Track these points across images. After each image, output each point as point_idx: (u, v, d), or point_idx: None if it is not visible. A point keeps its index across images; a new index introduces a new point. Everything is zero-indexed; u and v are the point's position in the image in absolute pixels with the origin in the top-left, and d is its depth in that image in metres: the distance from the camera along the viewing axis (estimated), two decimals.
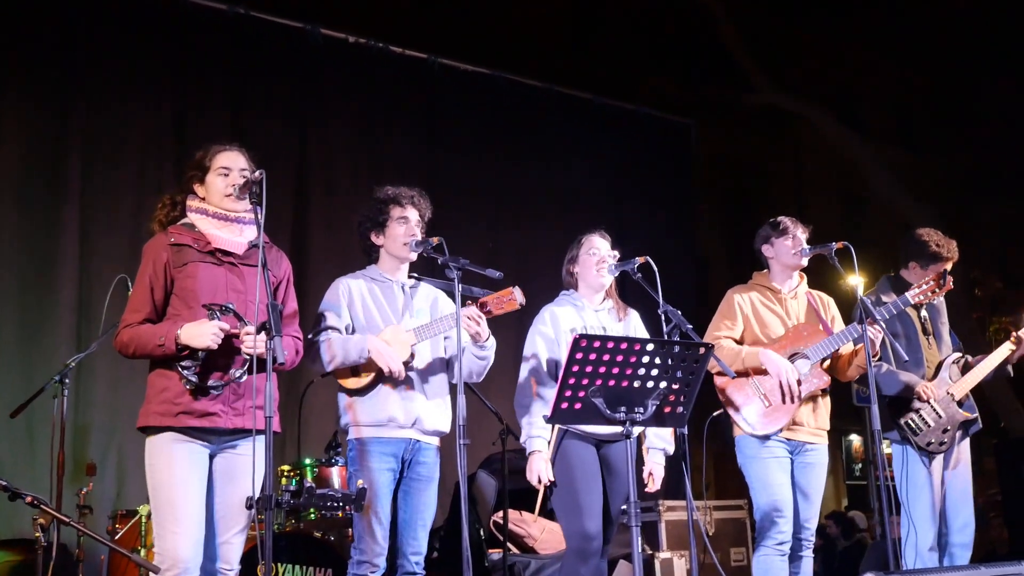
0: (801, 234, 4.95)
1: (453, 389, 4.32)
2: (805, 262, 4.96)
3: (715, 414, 4.89)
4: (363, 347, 4.10)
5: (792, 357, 4.79)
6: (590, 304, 4.66)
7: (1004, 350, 5.26)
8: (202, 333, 3.51)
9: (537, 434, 4.40)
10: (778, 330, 4.88)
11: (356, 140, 8.27)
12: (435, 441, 4.28)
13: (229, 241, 3.73)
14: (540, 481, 4.37)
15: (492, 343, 4.27)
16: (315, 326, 4.21)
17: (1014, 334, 5.27)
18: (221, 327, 3.53)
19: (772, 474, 4.71)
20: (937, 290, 4.87)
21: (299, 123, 8.05)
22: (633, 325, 4.73)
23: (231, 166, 3.78)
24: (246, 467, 3.55)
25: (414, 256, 4.32)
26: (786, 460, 4.76)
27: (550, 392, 4.34)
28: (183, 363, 3.55)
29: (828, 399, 4.90)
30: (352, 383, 4.17)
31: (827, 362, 4.85)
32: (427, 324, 4.22)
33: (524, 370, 4.53)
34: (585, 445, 4.40)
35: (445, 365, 4.36)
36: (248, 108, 7.71)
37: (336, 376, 4.21)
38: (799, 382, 4.71)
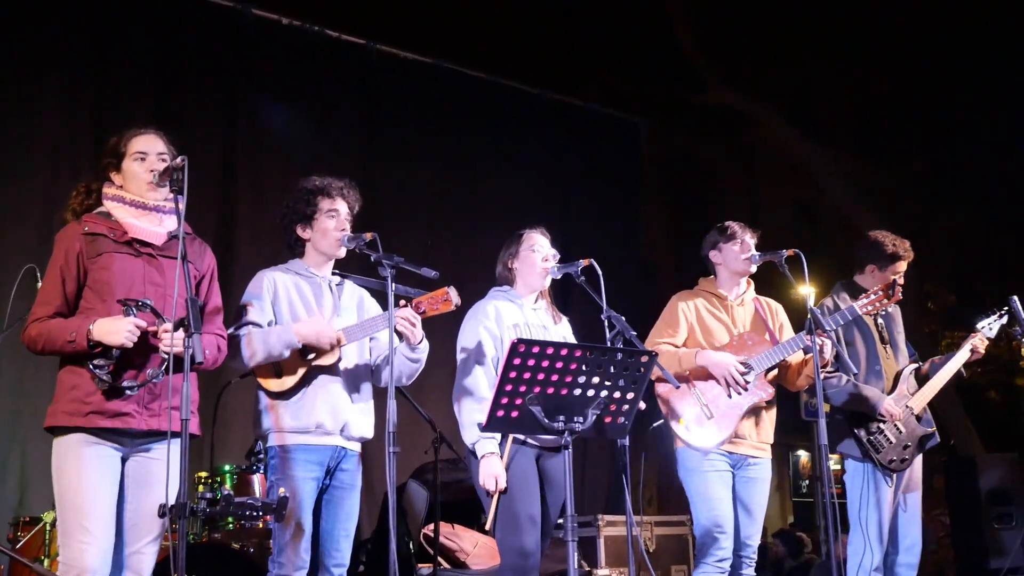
0: (750, 239, 5.01)
1: (378, 393, 4.29)
2: (754, 268, 5.01)
3: (655, 424, 4.92)
4: (288, 337, 4.04)
5: None
6: (528, 303, 4.67)
7: (963, 355, 5.36)
8: (116, 330, 3.46)
9: (491, 435, 4.34)
10: (723, 338, 4.93)
11: (288, 128, 8.20)
12: (358, 448, 4.25)
13: (147, 231, 3.68)
14: (496, 486, 4.29)
15: (425, 346, 4.24)
16: (235, 320, 4.15)
17: (970, 340, 5.38)
18: (137, 324, 3.49)
19: (713, 488, 4.75)
20: (886, 300, 4.95)
21: (227, 109, 7.98)
22: (564, 333, 4.75)
23: (148, 150, 3.74)
24: (160, 472, 3.51)
25: (343, 252, 4.28)
26: (728, 474, 4.80)
27: None
28: (95, 361, 3.50)
29: (773, 412, 4.95)
30: (275, 384, 4.11)
31: (773, 372, 4.92)
32: (357, 325, 4.17)
33: (467, 364, 4.47)
34: (526, 454, 4.40)
35: (369, 368, 4.33)
36: (172, 92, 7.61)
37: (257, 375, 4.16)
38: (745, 380, 4.75)
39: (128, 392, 3.53)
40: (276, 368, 4.11)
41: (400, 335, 4.11)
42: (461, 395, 4.46)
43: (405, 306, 4.10)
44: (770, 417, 4.94)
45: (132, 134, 3.78)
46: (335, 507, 4.15)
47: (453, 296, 4.14)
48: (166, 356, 3.49)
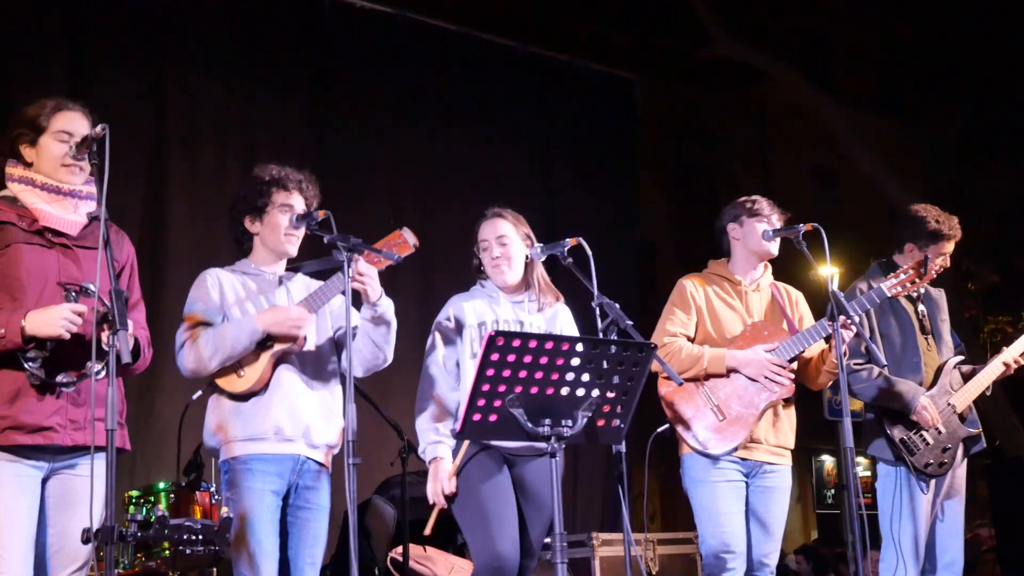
0: (777, 221, 4.99)
1: (342, 393, 4.28)
2: (774, 249, 5.00)
3: (659, 429, 4.91)
4: (252, 326, 4.05)
5: None
6: (506, 296, 4.64)
7: (995, 369, 5.38)
8: (50, 320, 3.45)
9: (439, 439, 4.37)
10: (735, 328, 4.92)
11: (226, 91, 8.15)
12: (322, 457, 4.24)
13: (61, 219, 3.67)
14: (442, 492, 4.33)
15: (387, 303, 4.23)
16: (188, 327, 4.15)
17: (1002, 353, 5.39)
18: (75, 309, 3.48)
19: (722, 501, 4.75)
20: (917, 280, 4.94)
21: (156, 70, 7.92)
22: (560, 322, 4.69)
23: (73, 131, 3.70)
24: (87, 491, 3.49)
25: (294, 252, 4.32)
26: (740, 484, 4.80)
27: (453, 395, 4.39)
28: (28, 355, 3.48)
29: (792, 411, 4.94)
30: (240, 384, 4.11)
31: (793, 365, 4.91)
32: (317, 290, 4.18)
33: (423, 371, 4.51)
34: (493, 459, 4.40)
35: (335, 352, 4.34)
36: (91, 50, 7.55)
37: (216, 379, 4.14)
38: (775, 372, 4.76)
39: (63, 388, 3.53)
40: (236, 365, 4.10)
41: (356, 293, 4.09)
42: (416, 404, 4.51)
43: (356, 260, 4.03)
44: (789, 417, 4.93)
45: (57, 106, 3.75)
46: (299, 530, 4.15)
47: (408, 236, 4.12)
48: (107, 348, 3.45)
